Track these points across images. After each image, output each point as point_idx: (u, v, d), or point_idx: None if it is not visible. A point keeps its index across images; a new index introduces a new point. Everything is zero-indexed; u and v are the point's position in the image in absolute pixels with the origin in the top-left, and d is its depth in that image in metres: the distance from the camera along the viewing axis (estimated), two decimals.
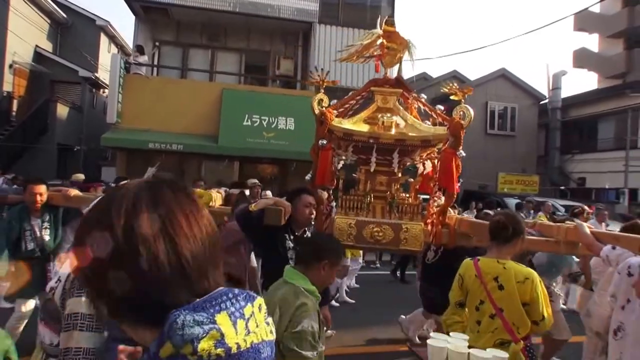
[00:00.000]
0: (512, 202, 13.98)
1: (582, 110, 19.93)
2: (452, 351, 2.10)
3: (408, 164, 4.02)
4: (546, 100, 20.47)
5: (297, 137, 12.20)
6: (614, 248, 3.13)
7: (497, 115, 19.74)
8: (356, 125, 3.61)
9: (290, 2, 13.20)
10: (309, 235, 3.61)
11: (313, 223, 3.67)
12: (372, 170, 3.64)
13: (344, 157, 3.95)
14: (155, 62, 13.93)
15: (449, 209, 3.81)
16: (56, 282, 2.11)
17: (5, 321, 4.14)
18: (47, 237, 4.23)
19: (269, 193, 8.32)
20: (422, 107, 3.96)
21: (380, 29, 3.82)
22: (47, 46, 16.28)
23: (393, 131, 3.50)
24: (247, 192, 5.66)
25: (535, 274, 2.66)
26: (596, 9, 27.41)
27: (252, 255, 4.85)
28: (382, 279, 9.49)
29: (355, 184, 3.89)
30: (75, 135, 15.46)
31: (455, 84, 3.71)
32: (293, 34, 14.05)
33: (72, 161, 15.33)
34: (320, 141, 3.50)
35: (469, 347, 2.39)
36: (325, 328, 3.13)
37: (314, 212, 3.51)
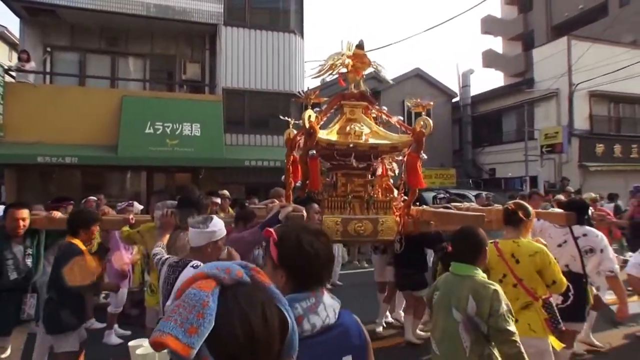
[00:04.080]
0: (428, 195, 13.52)
1: (489, 106, 20.30)
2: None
3: (375, 165, 4.40)
4: (457, 98, 20.51)
5: (204, 144, 11.06)
6: (537, 220, 3.77)
7: (413, 112, 19.42)
8: (332, 135, 3.94)
9: (193, 4, 11.96)
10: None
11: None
12: (355, 166, 3.98)
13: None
14: (48, 69, 12.16)
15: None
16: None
17: None
18: (30, 265, 3.69)
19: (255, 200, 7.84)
20: (384, 117, 4.36)
21: (350, 50, 4.14)
22: None
23: (363, 139, 3.90)
24: (218, 200, 5.74)
25: (544, 248, 3.01)
26: (497, 14, 28.37)
27: None
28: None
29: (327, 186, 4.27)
30: None
31: (419, 100, 4.14)
32: (199, 37, 12.78)
33: None
34: (310, 151, 3.74)
35: None
36: None
37: (321, 218, 3.68)
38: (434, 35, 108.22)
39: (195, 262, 2.32)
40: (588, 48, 16.19)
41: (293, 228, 1.43)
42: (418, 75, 19.08)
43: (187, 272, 2.25)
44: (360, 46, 4.24)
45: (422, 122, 3.90)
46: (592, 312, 4.62)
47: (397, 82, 18.30)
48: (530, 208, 3.20)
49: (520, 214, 3.09)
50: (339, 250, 8.32)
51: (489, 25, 27.93)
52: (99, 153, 10.49)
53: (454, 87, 20.82)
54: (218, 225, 2.46)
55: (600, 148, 16.89)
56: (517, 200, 3.56)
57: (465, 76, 20.30)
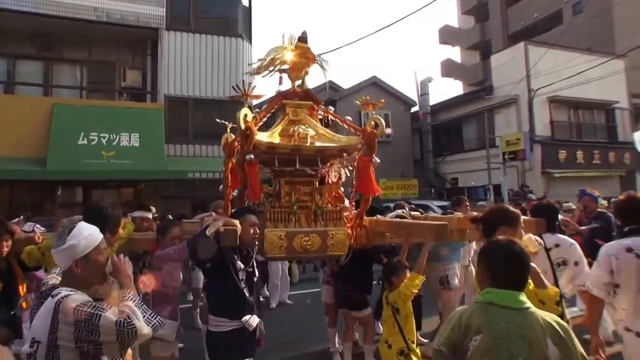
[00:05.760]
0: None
1: (449, 114, 20.43)
2: None
3: (324, 172, 4.09)
4: (417, 107, 20.64)
5: (143, 155, 10.47)
6: None
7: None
8: (274, 138, 3.62)
9: (132, 7, 11.44)
10: (254, 255, 3.38)
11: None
12: (301, 171, 3.67)
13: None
14: None
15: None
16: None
17: None
18: None
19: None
20: (331, 117, 4.04)
21: (292, 44, 3.84)
22: None
23: (309, 141, 3.59)
24: (149, 215, 5.25)
25: None
26: (455, 23, 29.09)
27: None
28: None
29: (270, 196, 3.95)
30: None
31: (368, 97, 3.87)
32: (141, 43, 12.23)
33: None
34: (247, 156, 3.42)
35: None
36: None
37: (258, 232, 3.35)
38: (392, 47, 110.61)
39: (57, 291, 1.90)
40: (544, 53, 16.53)
41: None
42: (375, 84, 19.05)
43: (48, 304, 1.86)
44: (302, 39, 3.88)
45: (373, 122, 3.64)
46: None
47: (353, 91, 18.23)
48: (516, 215, 2.73)
49: (494, 222, 2.69)
50: (283, 266, 7.88)
51: (447, 35, 28.57)
52: (23, 166, 9.73)
53: (413, 97, 20.91)
54: (82, 234, 1.97)
55: (562, 154, 17.04)
56: (501, 205, 3.18)
57: (424, 84, 20.39)
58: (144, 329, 1.89)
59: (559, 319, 1.84)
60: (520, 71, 16.83)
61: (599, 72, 16.34)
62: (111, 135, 10.43)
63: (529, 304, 1.84)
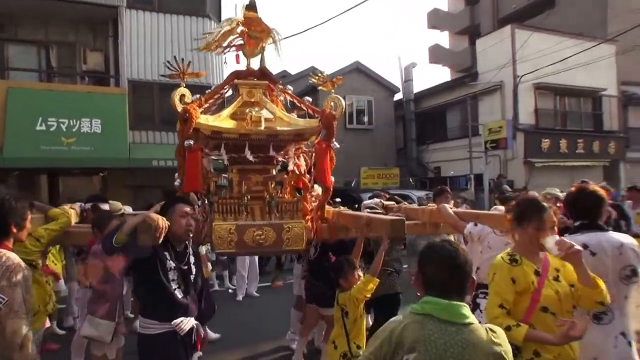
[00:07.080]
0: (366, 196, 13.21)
1: (433, 101, 20.19)
2: None
3: (282, 160, 3.90)
4: (400, 93, 20.44)
5: (105, 141, 10.27)
6: (475, 225, 3.51)
7: (354, 109, 19.07)
8: (223, 121, 3.41)
9: None
10: (191, 249, 3.10)
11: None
12: (252, 160, 3.44)
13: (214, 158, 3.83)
14: None
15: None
16: None
17: None
18: None
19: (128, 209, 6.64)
20: (289, 99, 3.85)
21: (241, 15, 3.56)
22: None
23: (263, 126, 3.38)
24: (106, 207, 4.82)
25: (494, 262, 2.41)
26: (444, 7, 28.82)
27: None
28: None
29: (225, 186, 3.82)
30: None
31: (325, 74, 3.68)
32: (102, 22, 11.84)
33: None
34: (186, 142, 3.24)
35: None
36: None
37: (192, 223, 3.03)
38: (377, 32, 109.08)
39: None
40: (529, 36, 16.20)
41: None
42: (358, 69, 18.77)
43: None
44: (251, 6, 3.57)
45: (331, 102, 3.44)
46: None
47: (335, 77, 17.92)
48: (530, 211, 2.43)
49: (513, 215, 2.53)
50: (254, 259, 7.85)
51: (435, 19, 28.28)
52: None
53: (395, 81, 20.68)
54: None
55: (545, 143, 16.88)
56: (526, 196, 2.90)
57: (408, 70, 20.13)
58: None
59: (504, 339, 1.64)
60: (506, 56, 16.50)
61: (589, 57, 16.05)
62: (71, 121, 10.18)
63: (471, 318, 1.62)
